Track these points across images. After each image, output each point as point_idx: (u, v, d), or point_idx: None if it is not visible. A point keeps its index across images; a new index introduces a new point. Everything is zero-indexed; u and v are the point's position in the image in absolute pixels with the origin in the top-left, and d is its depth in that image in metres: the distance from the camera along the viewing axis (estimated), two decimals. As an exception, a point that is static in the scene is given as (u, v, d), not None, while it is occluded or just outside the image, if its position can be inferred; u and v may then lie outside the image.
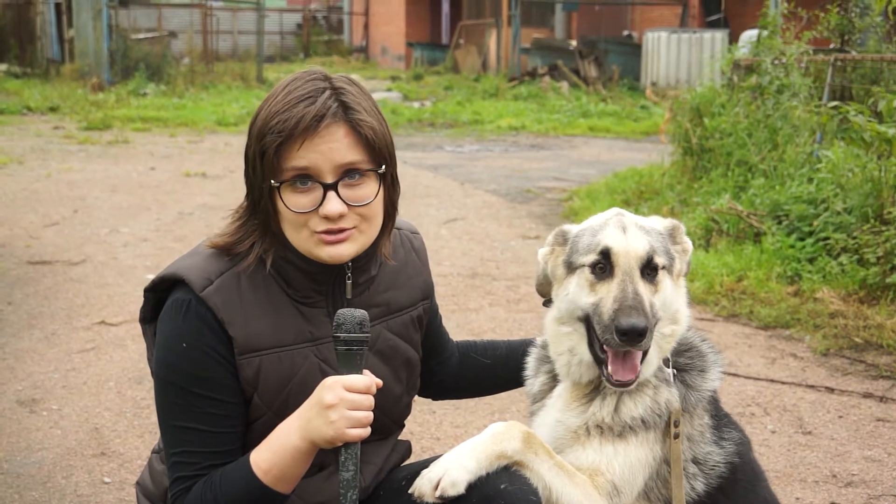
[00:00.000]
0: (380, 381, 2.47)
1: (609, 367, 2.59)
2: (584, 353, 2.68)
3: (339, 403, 2.37)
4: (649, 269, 2.62)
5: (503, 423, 2.57)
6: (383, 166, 2.55)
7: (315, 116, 2.44)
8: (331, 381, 2.41)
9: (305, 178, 2.47)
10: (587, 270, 2.64)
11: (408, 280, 2.85)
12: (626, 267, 2.60)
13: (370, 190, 2.53)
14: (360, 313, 2.42)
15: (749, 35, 12.99)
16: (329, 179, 2.47)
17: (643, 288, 2.59)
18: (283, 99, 2.48)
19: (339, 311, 2.43)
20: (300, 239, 2.53)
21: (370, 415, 2.41)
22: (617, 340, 2.51)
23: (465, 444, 2.52)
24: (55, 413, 5.41)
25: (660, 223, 2.78)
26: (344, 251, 2.53)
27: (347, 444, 2.41)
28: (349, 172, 2.49)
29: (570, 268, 2.70)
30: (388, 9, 41.65)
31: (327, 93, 2.48)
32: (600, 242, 2.63)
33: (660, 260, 2.64)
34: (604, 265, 2.62)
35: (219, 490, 2.47)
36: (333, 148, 2.46)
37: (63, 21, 29.61)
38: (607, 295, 2.58)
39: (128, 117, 20.09)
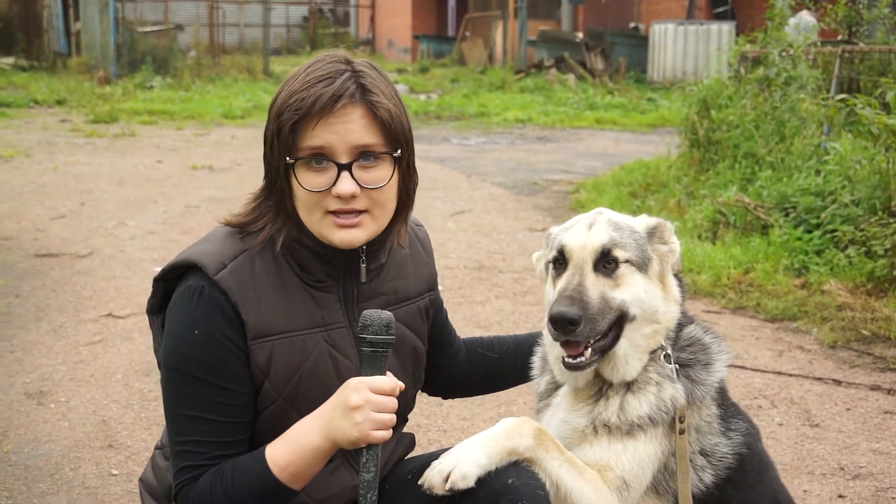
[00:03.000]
0: (402, 385, 2.47)
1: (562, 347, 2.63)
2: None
3: (365, 405, 2.37)
4: (606, 262, 2.63)
5: (515, 419, 2.57)
6: (399, 150, 2.56)
7: (332, 96, 2.45)
8: (356, 382, 2.40)
9: (321, 157, 2.48)
10: (551, 267, 2.72)
11: (415, 270, 2.86)
12: (577, 260, 2.64)
13: (384, 173, 2.53)
14: (387, 315, 2.43)
15: (800, 19, 12.66)
16: (343, 160, 2.48)
17: (592, 280, 2.61)
18: (304, 79, 2.50)
19: (365, 311, 2.44)
20: (313, 221, 2.53)
21: (394, 417, 2.41)
22: (552, 330, 2.56)
23: (477, 438, 2.52)
24: (63, 405, 5.43)
25: (640, 222, 2.79)
26: (355, 236, 2.53)
27: (370, 446, 2.41)
28: (364, 154, 2.50)
29: (547, 268, 2.78)
30: (395, 1, 41.60)
31: (346, 74, 2.50)
32: (559, 240, 2.70)
33: (621, 254, 2.64)
34: (561, 261, 2.68)
35: (230, 482, 2.46)
36: (349, 128, 2.47)
37: (70, 14, 29.63)
38: (556, 289, 2.64)
39: (134, 110, 20.11)
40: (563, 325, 2.52)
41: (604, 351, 2.64)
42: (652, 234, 2.76)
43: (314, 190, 2.49)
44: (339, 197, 2.48)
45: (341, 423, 2.39)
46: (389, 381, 2.42)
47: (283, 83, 2.56)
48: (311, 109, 2.45)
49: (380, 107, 2.49)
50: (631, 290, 2.64)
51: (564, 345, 2.60)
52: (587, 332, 2.56)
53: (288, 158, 2.49)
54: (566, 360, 2.61)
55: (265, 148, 2.58)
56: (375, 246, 2.66)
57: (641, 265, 2.67)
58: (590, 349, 2.60)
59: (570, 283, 2.59)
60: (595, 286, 2.59)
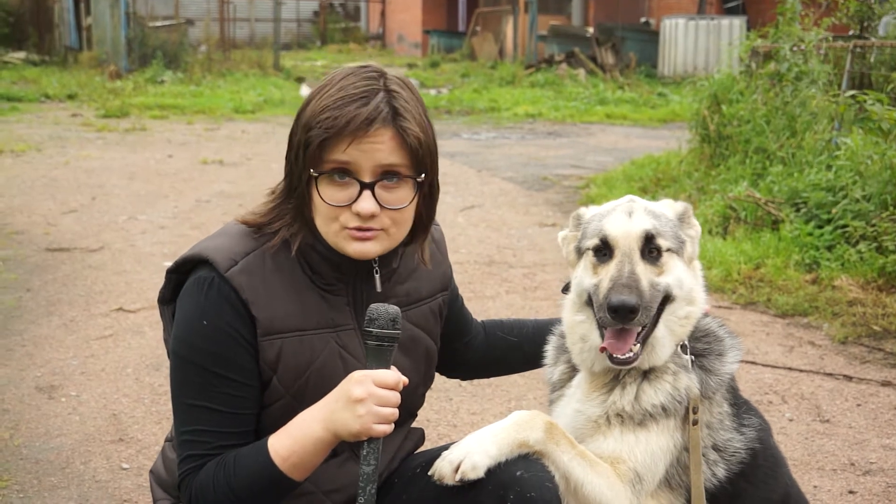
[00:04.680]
0: (406, 379, 2.47)
1: (606, 344, 2.61)
2: (595, 339, 2.71)
3: (368, 398, 2.38)
4: (650, 250, 2.66)
5: (527, 412, 2.58)
6: (422, 175, 2.56)
7: (366, 119, 2.45)
8: (360, 375, 2.41)
9: (344, 172, 2.49)
10: (591, 254, 2.71)
11: (428, 272, 2.87)
12: (625, 248, 2.65)
13: (405, 195, 2.55)
14: (394, 309, 2.43)
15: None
16: (367, 178, 2.49)
17: (642, 268, 2.63)
18: (337, 94, 2.49)
19: (372, 305, 2.44)
20: (330, 231, 2.55)
21: (396, 411, 2.42)
22: (609, 318, 2.55)
23: (488, 429, 2.54)
24: (74, 399, 5.44)
25: (670, 208, 2.82)
26: (370, 249, 2.55)
27: (371, 439, 2.41)
28: (388, 174, 2.51)
29: (579, 252, 2.77)
30: (405, -4, 41.57)
31: (381, 95, 2.49)
32: (602, 228, 2.69)
33: (663, 242, 2.67)
34: (604, 249, 2.68)
35: (232, 472, 2.48)
36: (377, 148, 2.48)
37: (81, 9, 29.67)
38: (605, 276, 2.63)
39: (145, 105, 20.12)
40: (623, 314, 2.52)
41: (645, 339, 2.65)
42: (682, 218, 2.80)
43: (335, 205, 2.50)
44: (358, 214, 2.49)
45: (343, 414, 2.40)
46: (393, 376, 2.42)
47: (313, 91, 2.55)
48: (343, 130, 2.45)
49: (409, 132, 2.50)
50: (673, 273, 2.68)
51: (616, 335, 2.60)
52: (643, 320, 2.58)
53: (312, 171, 2.49)
54: (615, 356, 2.60)
55: (289, 153, 2.58)
56: (388, 254, 2.67)
57: (678, 250, 2.72)
58: (638, 344, 2.62)
59: (623, 271, 2.60)
60: (645, 274, 2.62)
